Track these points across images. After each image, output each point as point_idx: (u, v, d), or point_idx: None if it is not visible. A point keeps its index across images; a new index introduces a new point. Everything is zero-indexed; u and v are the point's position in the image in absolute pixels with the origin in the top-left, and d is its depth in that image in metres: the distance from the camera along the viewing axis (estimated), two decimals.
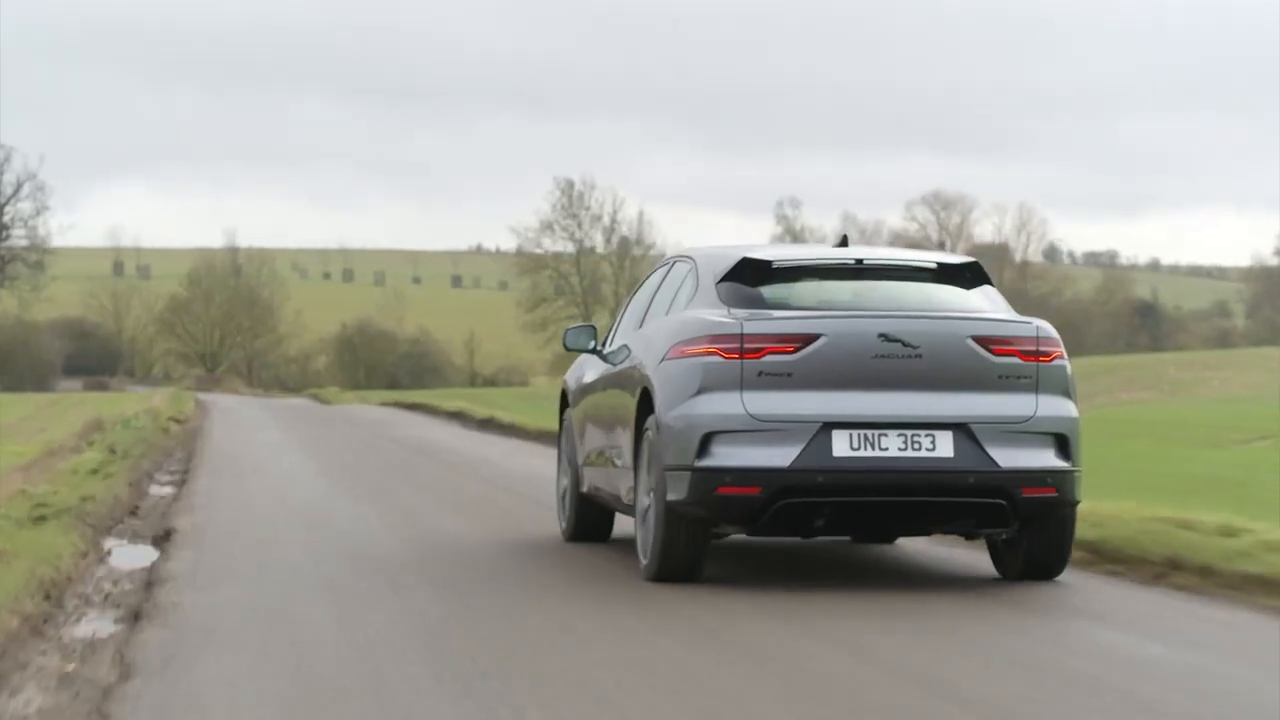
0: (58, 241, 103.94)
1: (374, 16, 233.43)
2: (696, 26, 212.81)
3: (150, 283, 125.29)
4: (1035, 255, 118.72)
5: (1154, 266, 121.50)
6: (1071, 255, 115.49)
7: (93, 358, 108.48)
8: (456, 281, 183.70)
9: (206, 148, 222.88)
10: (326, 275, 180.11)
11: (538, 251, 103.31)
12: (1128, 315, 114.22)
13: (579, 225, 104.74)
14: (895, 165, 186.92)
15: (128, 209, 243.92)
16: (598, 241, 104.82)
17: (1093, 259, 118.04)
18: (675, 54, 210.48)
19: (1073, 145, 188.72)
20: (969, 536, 10.24)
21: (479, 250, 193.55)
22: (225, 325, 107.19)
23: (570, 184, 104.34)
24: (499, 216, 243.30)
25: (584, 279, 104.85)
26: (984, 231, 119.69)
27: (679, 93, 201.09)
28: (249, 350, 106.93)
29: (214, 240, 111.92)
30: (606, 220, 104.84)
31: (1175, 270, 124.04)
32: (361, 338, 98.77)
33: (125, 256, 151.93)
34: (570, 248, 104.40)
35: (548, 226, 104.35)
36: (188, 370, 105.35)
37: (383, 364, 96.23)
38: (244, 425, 34.94)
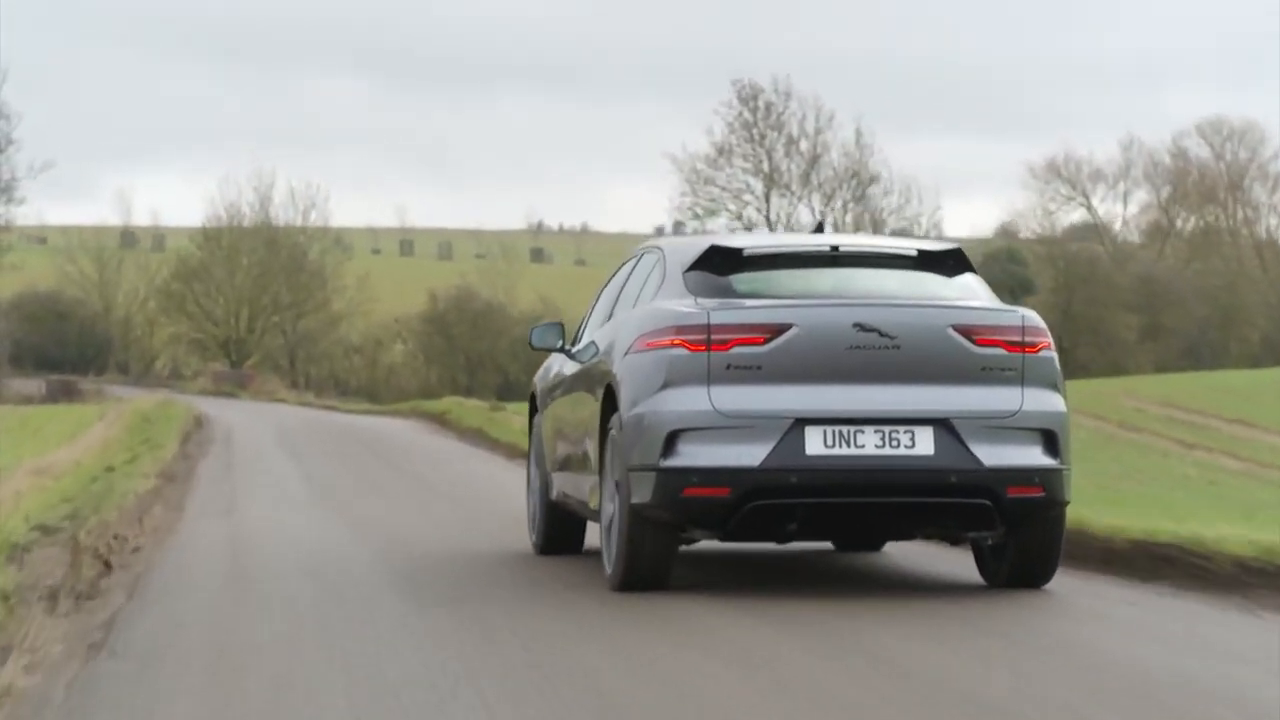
0: (63, 218, 79.83)
1: None
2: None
3: (163, 256, 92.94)
4: None
5: None
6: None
7: (70, 346, 77.37)
8: (537, 255, 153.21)
9: (228, 132, 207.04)
10: (376, 251, 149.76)
11: (713, 189, 71.36)
12: None
13: (768, 154, 72.40)
14: (932, 147, 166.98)
15: (147, 193, 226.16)
16: (791, 174, 72.64)
17: None
18: (711, 27, 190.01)
19: (1111, 119, 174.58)
20: (954, 541, 9.74)
21: (540, 228, 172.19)
22: (256, 300, 75.15)
23: (755, 92, 71.97)
24: (538, 199, 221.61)
25: (776, 223, 72.53)
26: None
27: (713, 68, 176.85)
28: (291, 336, 74.71)
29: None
30: (806, 146, 72.46)
31: None
32: (460, 316, 66.04)
33: (141, 234, 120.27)
34: (757, 184, 72.35)
35: (724, 152, 72.15)
36: (204, 364, 73.85)
37: (493, 353, 63.81)
38: None
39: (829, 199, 72.53)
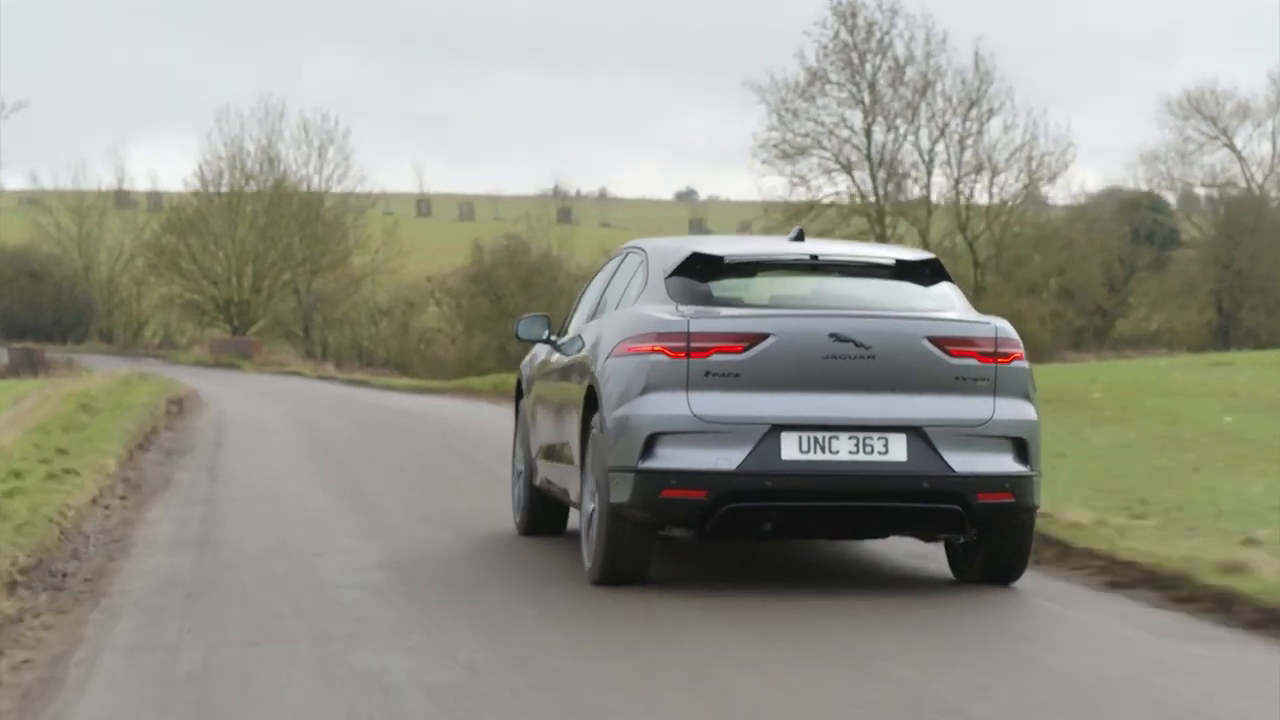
0: (56, 181, 71.18)
1: None
2: None
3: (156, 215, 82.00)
4: None
5: None
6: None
7: (45, 311, 66.59)
8: (564, 215, 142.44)
9: (232, 106, 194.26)
10: (389, 213, 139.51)
11: (807, 123, 60.38)
12: None
13: (869, 83, 61.22)
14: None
15: (144, 162, 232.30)
16: (896, 106, 61.49)
17: None
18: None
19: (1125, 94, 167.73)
20: (927, 539, 9.96)
21: (556, 193, 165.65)
22: (262, 255, 63.93)
23: (854, 9, 60.65)
24: (551, 169, 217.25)
25: (878, 163, 61.47)
26: None
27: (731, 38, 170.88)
28: (305, 297, 63.55)
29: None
30: (914, 72, 61.22)
31: None
32: (511, 271, 54.67)
33: (137, 197, 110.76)
34: (855, 116, 61.29)
35: (818, 79, 61.02)
36: (200, 331, 62.93)
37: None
38: None
39: (940, 134, 61.19)
